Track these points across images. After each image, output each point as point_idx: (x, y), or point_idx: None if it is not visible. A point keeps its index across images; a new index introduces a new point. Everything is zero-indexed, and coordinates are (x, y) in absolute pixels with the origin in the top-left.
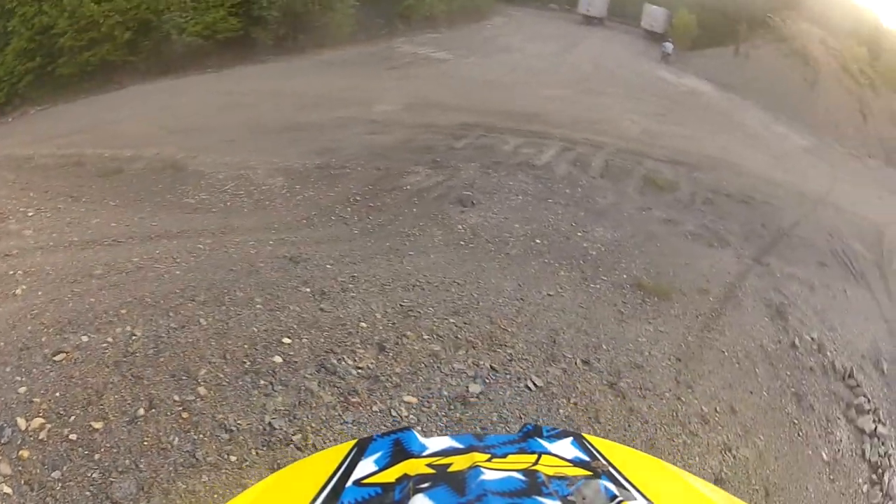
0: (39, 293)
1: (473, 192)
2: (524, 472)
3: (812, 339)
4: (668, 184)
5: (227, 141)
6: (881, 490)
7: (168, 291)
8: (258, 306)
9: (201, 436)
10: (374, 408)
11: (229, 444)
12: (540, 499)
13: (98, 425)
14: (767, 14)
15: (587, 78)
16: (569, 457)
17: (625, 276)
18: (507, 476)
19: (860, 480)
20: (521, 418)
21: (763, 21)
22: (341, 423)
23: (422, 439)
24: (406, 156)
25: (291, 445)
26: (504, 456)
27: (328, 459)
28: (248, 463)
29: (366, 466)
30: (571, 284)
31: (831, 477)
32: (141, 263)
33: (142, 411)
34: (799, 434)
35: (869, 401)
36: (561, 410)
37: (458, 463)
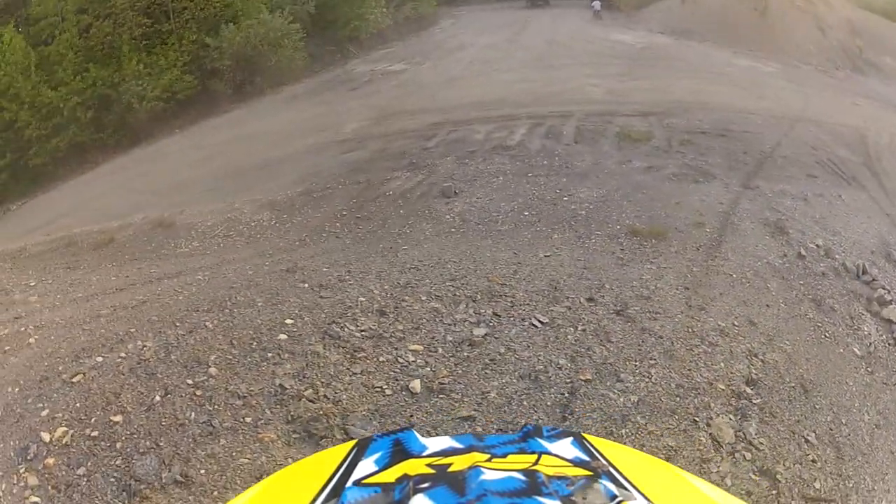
0: (52, 338)
1: (454, 183)
2: (524, 472)
3: (817, 246)
4: (642, 135)
5: (209, 190)
6: None
7: (174, 311)
8: (259, 305)
9: (216, 406)
10: (381, 358)
11: (243, 408)
12: (540, 499)
13: (117, 418)
14: None
15: (542, 56)
16: (569, 457)
17: (618, 226)
18: (507, 476)
19: None
20: (529, 347)
21: None
22: (350, 376)
23: (422, 439)
24: (383, 164)
25: (303, 399)
26: (504, 456)
27: (328, 459)
28: (263, 421)
29: (366, 466)
30: (566, 244)
31: (869, 369)
32: (145, 299)
33: (158, 398)
34: (825, 335)
35: (889, 291)
36: (569, 337)
37: (458, 463)
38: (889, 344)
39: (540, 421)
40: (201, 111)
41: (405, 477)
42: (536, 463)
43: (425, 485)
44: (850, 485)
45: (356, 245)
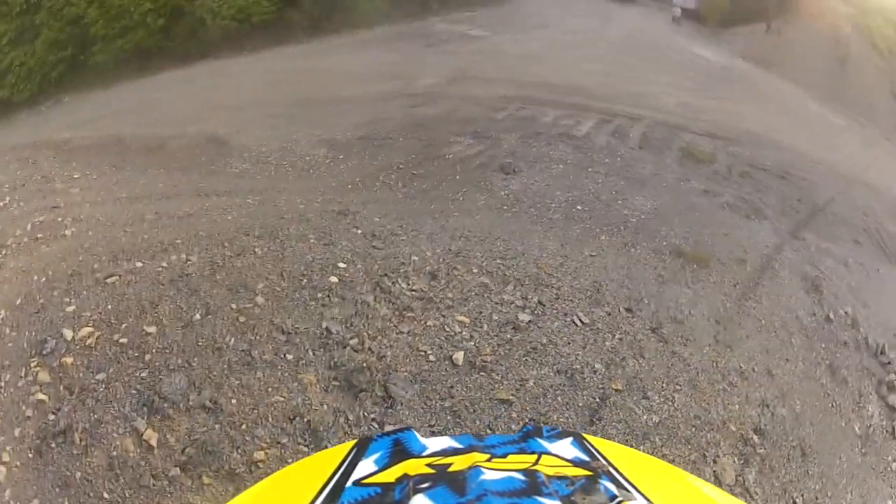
0: (90, 233)
1: (515, 161)
2: (524, 472)
3: (846, 313)
4: (706, 156)
5: (269, 116)
6: None
7: (222, 229)
8: (311, 240)
9: (258, 337)
10: (429, 322)
11: (286, 344)
12: (540, 499)
13: (151, 329)
14: None
15: (623, 52)
16: (569, 457)
17: (664, 243)
18: (507, 476)
19: (889, 458)
20: (569, 344)
21: None
22: (397, 333)
23: (422, 439)
24: (448, 127)
25: (348, 348)
26: (504, 456)
27: (328, 459)
28: (304, 361)
29: (366, 466)
30: (612, 248)
31: (863, 450)
32: (192, 212)
33: (198, 316)
34: (833, 405)
35: None
36: (607, 343)
37: (458, 463)
38: (887, 431)
39: (570, 420)
40: (274, 38)
41: (405, 477)
42: (536, 463)
43: (425, 485)
44: None
45: (408, 201)
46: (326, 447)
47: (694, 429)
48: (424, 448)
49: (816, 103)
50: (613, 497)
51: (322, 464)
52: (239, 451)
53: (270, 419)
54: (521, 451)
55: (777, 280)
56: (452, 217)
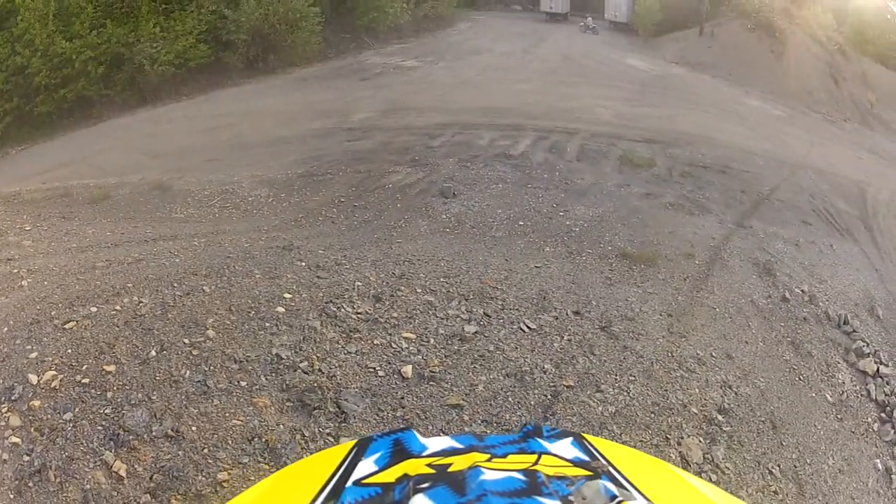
0: (45, 283)
1: (454, 185)
2: (524, 472)
3: (802, 291)
4: (644, 161)
5: (210, 160)
6: (893, 427)
7: (170, 272)
8: (257, 276)
9: (212, 367)
10: (376, 341)
11: (239, 372)
12: (540, 499)
13: (110, 368)
14: None
15: (556, 70)
16: (569, 457)
17: (609, 247)
18: (507, 476)
19: (869, 420)
20: (516, 349)
21: None
22: (345, 353)
23: (422, 439)
24: (386, 157)
25: (299, 370)
26: (504, 456)
27: (328, 459)
28: (257, 386)
29: (366, 466)
30: (558, 257)
31: (839, 416)
32: (141, 257)
33: (153, 353)
34: (800, 378)
35: (868, 345)
36: (555, 345)
37: (458, 463)
38: (862, 395)
39: (522, 417)
40: (211, 81)
41: (405, 477)
42: (536, 463)
43: (425, 485)
44: None
45: (352, 232)
46: (286, 463)
47: (653, 415)
48: (424, 448)
49: (755, 98)
50: (613, 497)
51: (322, 464)
52: (203, 473)
53: (230, 442)
54: (521, 451)
55: (727, 269)
56: (396, 244)
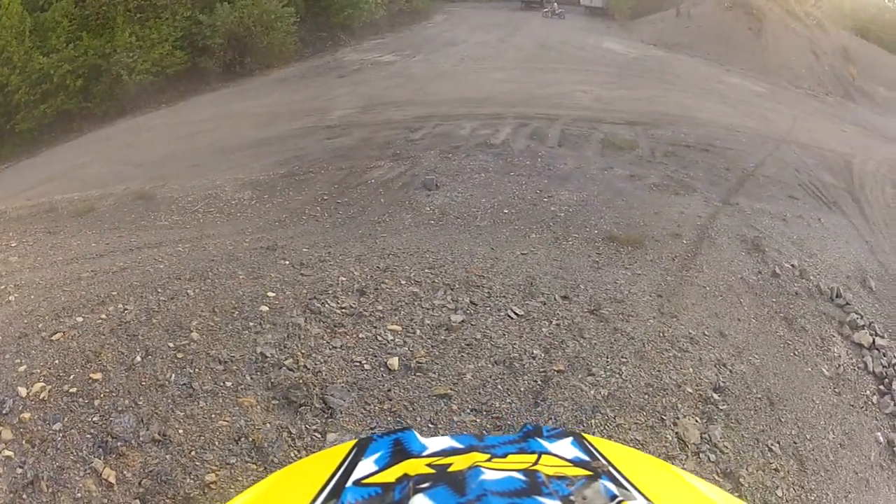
0: (32, 297)
1: (437, 176)
2: (524, 472)
3: (793, 266)
4: (626, 143)
5: (192, 166)
6: (892, 399)
7: (155, 278)
8: (241, 277)
9: (197, 370)
10: (361, 335)
11: (224, 373)
12: (540, 499)
13: (97, 376)
14: None
15: (533, 58)
16: (569, 457)
17: (595, 231)
18: (507, 476)
19: (868, 392)
20: (504, 335)
21: None
22: (330, 349)
23: (422, 439)
24: (367, 153)
25: (284, 368)
26: (504, 456)
27: (328, 459)
28: (243, 386)
29: (366, 466)
30: (544, 244)
31: (836, 390)
32: (125, 266)
33: (139, 359)
34: (795, 353)
35: (862, 317)
36: (544, 330)
37: (458, 463)
38: (858, 367)
39: (512, 405)
40: (189, 87)
41: (405, 477)
42: (536, 463)
43: (425, 485)
44: (813, 498)
45: (336, 229)
46: (273, 462)
47: (647, 396)
48: (424, 448)
49: (735, 76)
50: (613, 497)
51: (322, 464)
52: (191, 476)
53: (217, 443)
54: (521, 451)
55: (716, 247)
56: (380, 238)
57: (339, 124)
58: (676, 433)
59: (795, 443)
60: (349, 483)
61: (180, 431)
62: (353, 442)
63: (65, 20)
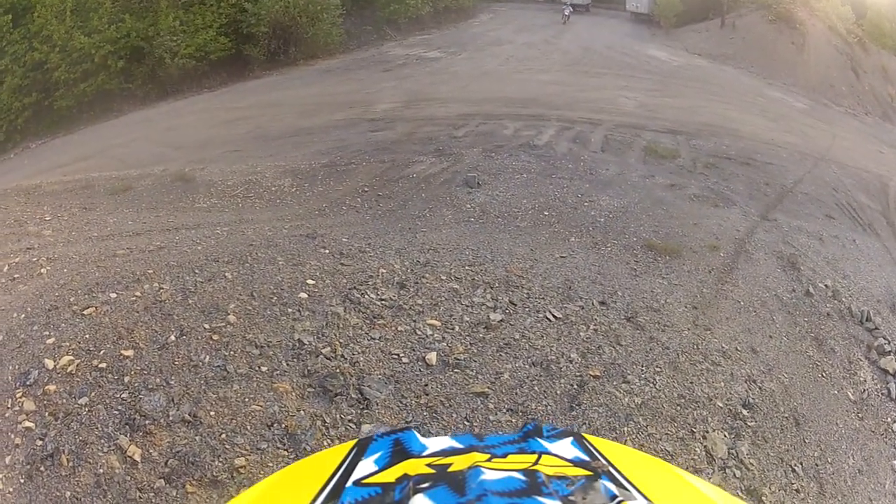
0: (64, 271)
1: (478, 175)
2: (524, 472)
3: (826, 286)
4: (668, 152)
5: (233, 151)
6: None
7: (192, 259)
8: (280, 263)
9: (232, 352)
10: (399, 328)
11: (260, 357)
12: (540, 499)
13: (128, 353)
14: None
15: (578, 61)
16: (569, 457)
17: (634, 238)
18: (507, 476)
19: (889, 420)
20: (542, 337)
21: None
22: (368, 339)
23: (422, 439)
24: (410, 147)
25: (321, 356)
26: (504, 456)
27: (328, 459)
28: (278, 372)
29: (366, 466)
30: (583, 248)
31: (860, 415)
32: (162, 245)
33: (173, 338)
34: (823, 374)
35: (889, 342)
36: (581, 334)
37: (458, 463)
38: (882, 394)
39: (549, 407)
40: (232, 74)
41: (405, 477)
42: (536, 463)
43: (425, 485)
44: None
45: (375, 221)
46: (306, 450)
47: (679, 407)
48: (424, 448)
49: (777, 90)
50: (613, 497)
51: (322, 464)
52: (220, 459)
53: (249, 427)
54: (521, 451)
55: (752, 262)
56: (420, 232)
57: (383, 118)
58: (705, 447)
59: (817, 465)
60: (349, 483)
61: (212, 413)
62: (353, 442)
63: (107, 1)
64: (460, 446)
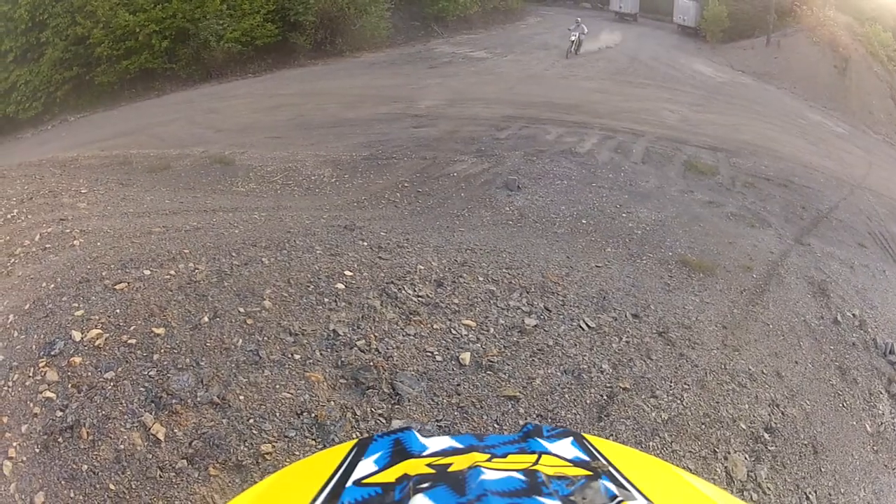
0: (98, 244)
1: (519, 178)
2: (524, 472)
3: (854, 315)
4: (708, 168)
5: (274, 138)
6: None
7: (229, 241)
8: (318, 251)
9: (265, 338)
10: (435, 326)
11: (294, 345)
12: (540, 499)
13: (159, 331)
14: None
15: (623, 71)
16: (569, 457)
17: (670, 253)
18: (507, 476)
19: None
20: (575, 346)
21: (791, 9)
22: (404, 335)
23: (422, 439)
24: (451, 146)
25: (355, 348)
26: (504, 456)
27: (328, 459)
28: (311, 361)
29: (366, 466)
30: (618, 259)
31: (875, 448)
32: (199, 226)
33: (206, 319)
34: (844, 404)
35: None
36: (614, 345)
37: (459, 463)
38: None
39: (577, 416)
40: (278, 61)
41: (405, 477)
42: (536, 463)
43: (425, 485)
44: None
45: (414, 217)
46: (334, 441)
47: (703, 426)
48: (424, 448)
49: (817, 113)
50: (613, 497)
51: (322, 464)
52: (246, 444)
53: (278, 414)
54: (522, 451)
55: (783, 285)
56: (458, 232)
57: (426, 114)
58: (726, 467)
59: (830, 494)
60: (349, 483)
61: (241, 397)
62: (353, 442)
63: None
64: (460, 446)
